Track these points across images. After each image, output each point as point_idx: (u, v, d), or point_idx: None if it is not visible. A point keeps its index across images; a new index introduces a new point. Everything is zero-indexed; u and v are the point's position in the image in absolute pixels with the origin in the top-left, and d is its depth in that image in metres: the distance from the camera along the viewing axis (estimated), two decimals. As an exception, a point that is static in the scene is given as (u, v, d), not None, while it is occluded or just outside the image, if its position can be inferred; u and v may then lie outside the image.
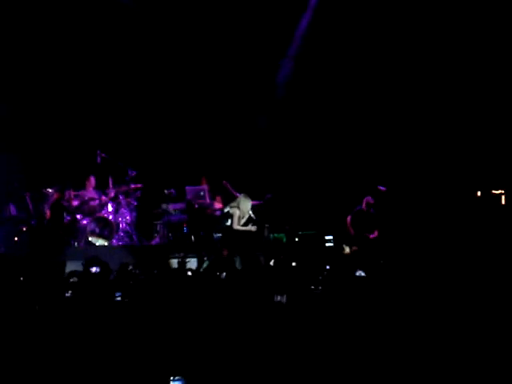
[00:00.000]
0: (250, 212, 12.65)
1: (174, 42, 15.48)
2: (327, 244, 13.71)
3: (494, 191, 13.97)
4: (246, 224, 12.71)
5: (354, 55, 15.17)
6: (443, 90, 14.85)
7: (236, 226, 12.59)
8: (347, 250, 13.16)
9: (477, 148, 14.61)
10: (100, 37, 15.21)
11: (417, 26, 14.68)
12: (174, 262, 11.28)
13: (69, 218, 13.36)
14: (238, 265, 11.55)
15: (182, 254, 12.29)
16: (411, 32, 14.72)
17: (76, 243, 13.34)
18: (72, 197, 13.49)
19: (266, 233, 13.29)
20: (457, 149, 14.70)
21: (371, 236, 13.47)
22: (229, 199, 13.32)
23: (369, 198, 13.59)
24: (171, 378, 5.11)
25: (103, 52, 15.37)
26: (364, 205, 13.58)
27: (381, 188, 13.78)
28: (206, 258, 12.53)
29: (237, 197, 13.02)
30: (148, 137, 15.65)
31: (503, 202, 13.79)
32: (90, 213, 13.56)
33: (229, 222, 12.69)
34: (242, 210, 12.60)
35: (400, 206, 14.22)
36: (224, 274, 7.57)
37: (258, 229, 12.70)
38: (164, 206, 13.96)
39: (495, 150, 14.53)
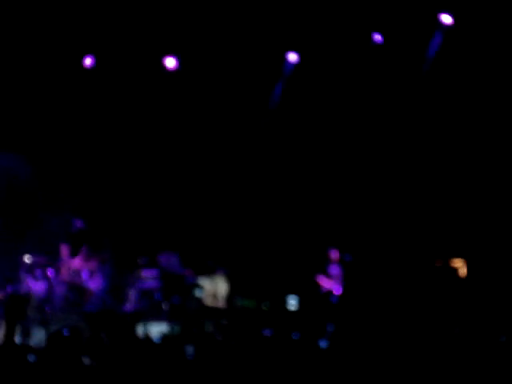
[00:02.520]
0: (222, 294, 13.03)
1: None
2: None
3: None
4: (214, 300, 13.04)
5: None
6: None
7: (206, 301, 12.93)
8: None
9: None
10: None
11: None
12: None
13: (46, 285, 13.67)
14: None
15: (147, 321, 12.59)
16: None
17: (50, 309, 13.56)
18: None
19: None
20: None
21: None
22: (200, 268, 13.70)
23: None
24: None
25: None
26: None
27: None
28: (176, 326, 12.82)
29: (212, 268, 13.35)
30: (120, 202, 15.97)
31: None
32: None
33: (198, 294, 13.06)
34: (216, 291, 12.99)
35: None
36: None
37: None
38: (137, 272, 14.26)
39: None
